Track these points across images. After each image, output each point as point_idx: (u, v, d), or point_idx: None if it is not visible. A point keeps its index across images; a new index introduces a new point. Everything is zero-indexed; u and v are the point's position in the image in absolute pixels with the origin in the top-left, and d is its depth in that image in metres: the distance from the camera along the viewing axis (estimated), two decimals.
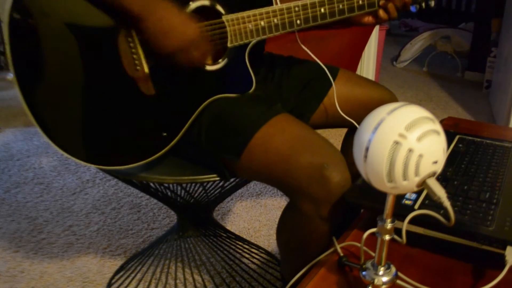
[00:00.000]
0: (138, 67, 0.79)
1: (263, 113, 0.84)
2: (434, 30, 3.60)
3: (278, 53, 1.11)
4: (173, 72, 0.83)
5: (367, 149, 0.47)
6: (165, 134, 0.84)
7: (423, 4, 0.99)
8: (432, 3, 0.99)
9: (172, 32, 0.75)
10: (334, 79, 1.02)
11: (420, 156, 0.46)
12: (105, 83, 0.79)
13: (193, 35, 0.77)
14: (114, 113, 0.81)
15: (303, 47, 0.96)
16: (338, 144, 1.18)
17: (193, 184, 1.06)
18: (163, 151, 0.84)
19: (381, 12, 0.93)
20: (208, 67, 0.86)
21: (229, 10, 0.84)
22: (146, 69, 0.80)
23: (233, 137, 0.84)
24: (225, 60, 0.87)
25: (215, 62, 0.87)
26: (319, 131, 0.89)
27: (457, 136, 0.96)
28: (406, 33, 4.84)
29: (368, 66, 2.65)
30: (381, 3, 0.92)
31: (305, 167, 0.76)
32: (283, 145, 0.79)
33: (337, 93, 1.01)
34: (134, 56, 0.79)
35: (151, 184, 1.04)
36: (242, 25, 0.84)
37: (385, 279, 0.56)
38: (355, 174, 0.78)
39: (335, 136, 2.23)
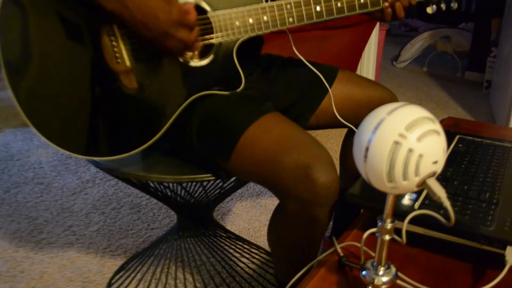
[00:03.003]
0: (119, 60, 0.80)
1: (251, 113, 0.84)
2: (434, 30, 3.60)
3: (278, 54, 1.11)
4: (155, 66, 0.83)
5: (367, 149, 0.47)
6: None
7: (443, 6, 0.93)
8: (455, 5, 0.92)
9: (148, 23, 0.76)
10: (333, 80, 1.02)
11: (420, 156, 0.46)
12: (89, 77, 0.81)
13: (168, 21, 0.76)
14: (99, 106, 0.82)
15: (297, 52, 0.96)
16: (338, 144, 1.18)
17: (193, 184, 1.06)
18: (145, 145, 0.84)
19: (388, 11, 0.90)
20: (193, 63, 0.85)
21: (216, 7, 0.83)
22: (128, 63, 0.81)
23: (222, 137, 0.84)
24: (211, 57, 0.86)
25: (201, 58, 0.86)
26: (318, 131, 0.89)
27: (457, 136, 0.96)
28: (406, 33, 4.83)
29: (368, 66, 2.65)
30: (385, 4, 0.89)
31: (291, 168, 0.75)
32: (270, 145, 0.79)
33: (337, 93, 1.01)
34: (115, 49, 0.80)
35: (151, 184, 1.04)
36: (228, 22, 0.83)
37: (385, 279, 0.56)
38: (355, 174, 0.78)
39: (335, 136, 2.23)
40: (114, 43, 0.80)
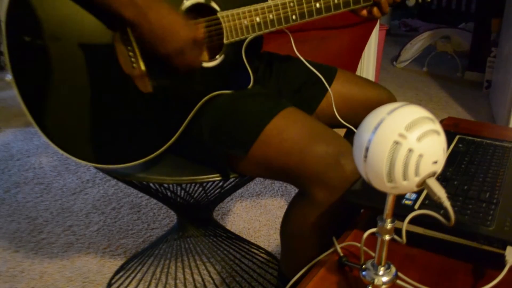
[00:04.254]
0: (134, 65, 0.80)
1: (273, 106, 0.85)
2: (434, 30, 3.60)
3: (276, 52, 1.11)
4: (170, 69, 0.83)
5: (367, 149, 0.47)
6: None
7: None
8: None
9: (166, 37, 0.76)
10: (332, 80, 1.02)
11: (420, 156, 0.46)
12: (102, 82, 0.80)
13: (187, 39, 0.77)
14: (113, 111, 0.81)
15: (297, 53, 0.97)
16: None
17: (193, 184, 1.06)
18: (161, 149, 0.84)
19: (375, 8, 0.94)
20: (205, 64, 0.86)
21: (224, 7, 0.84)
22: (143, 67, 0.80)
23: (241, 131, 0.84)
24: (222, 57, 0.87)
25: (211, 58, 0.87)
26: None
27: (457, 136, 0.96)
28: (406, 33, 4.83)
29: (368, 66, 2.64)
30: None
31: (322, 156, 0.78)
32: (298, 135, 0.81)
33: (335, 93, 1.01)
34: (130, 53, 0.79)
35: (151, 185, 1.04)
36: (237, 21, 0.85)
37: (385, 279, 0.55)
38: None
39: None
40: (129, 47, 0.79)
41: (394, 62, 3.82)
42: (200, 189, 1.09)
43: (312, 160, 0.78)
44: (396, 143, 0.46)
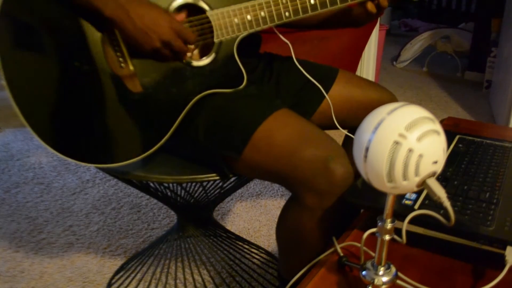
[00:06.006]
0: (122, 64, 0.80)
1: (265, 108, 0.85)
2: (434, 30, 3.60)
3: (277, 53, 1.10)
4: (159, 69, 0.83)
5: (367, 149, 0.47)
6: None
7: None
8: None
9: (150, 31, 0.76)
10: (333, 81, 1.02)
11: (420, 156, 0.46)
12: (92, 82, 0.80)
13: (171, 30, 0.78)
14: (104, 112, 0.82)
15: (296, 63, 0.96)
16: None
17: (193, 184, 1.06)
18: (154, 148, 0.84)
19: (369, 5, 0.90)
20: (195, 63, 0.86)
21: (215, 6, 0.84)
22: (131, 66, 0.81)
23: (233, 133, 0.84)
24: (212, 55, 0.86)
25: (202, 57, 0.87)
26: None
27: (457, 136, 0.96)
28: (406, 33, 4.84)
29: (368, 66, 2.64)
30: None
31: (310, 160, 0.77)
32: (288, 139, 0.80)
33: (336, 94, 1.01)
34: (118, 53, 0.80)
35: (151, 184, 1.04)
36: (227, 19, 0.84)
37: (385, 279, 0.56)
38: (355, 174, 0.78)
39: (335, 137, 2.23)
40: (117, 47, 0.79)
41: (394, 62, 3.82)
42: (200, 189, 1.09)
43: (301, 165, 0.77)
44: (396, 143, 0.46)
